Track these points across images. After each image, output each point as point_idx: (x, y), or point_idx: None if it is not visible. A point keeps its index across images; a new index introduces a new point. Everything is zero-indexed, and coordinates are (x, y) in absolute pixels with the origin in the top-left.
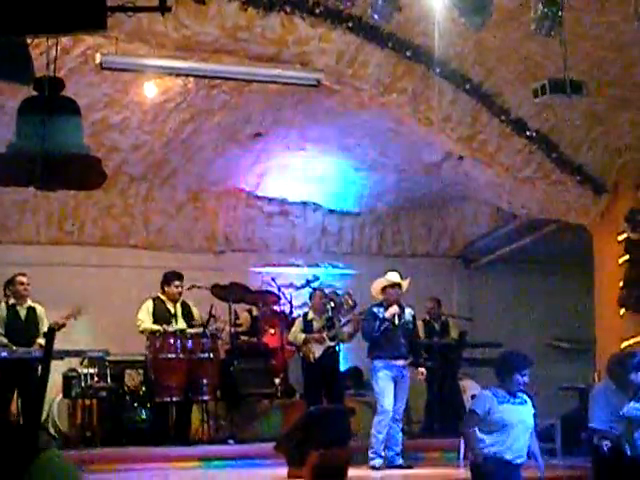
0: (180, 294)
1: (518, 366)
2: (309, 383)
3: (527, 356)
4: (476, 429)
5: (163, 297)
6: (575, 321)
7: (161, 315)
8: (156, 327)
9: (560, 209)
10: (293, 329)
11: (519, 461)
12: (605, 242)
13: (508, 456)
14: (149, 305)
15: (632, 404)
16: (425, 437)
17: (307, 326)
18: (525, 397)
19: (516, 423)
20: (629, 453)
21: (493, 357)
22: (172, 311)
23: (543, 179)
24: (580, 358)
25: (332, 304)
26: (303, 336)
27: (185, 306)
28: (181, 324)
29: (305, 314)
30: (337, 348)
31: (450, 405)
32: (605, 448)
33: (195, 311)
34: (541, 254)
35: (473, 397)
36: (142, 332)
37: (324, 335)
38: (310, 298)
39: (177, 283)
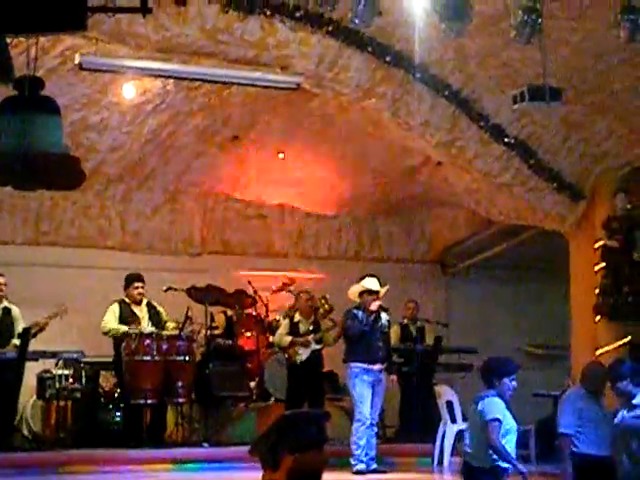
0: (141, 295)
1: (507, 371)
2: (292, 386)
3: (513, 360)
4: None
5: (127, 300)
6: (551, 328)
7: (127, 318)
8: (122, 327)
9: (537, 216)
10: (279, 331)
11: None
12: (582, 249)
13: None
14: (115, 308)
15: (625, 413)
16: (399, 442)
17: (293, 329)
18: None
19: (514, 430)
20: (628, 464)
21: (468, 363)
22: (137, 313)
23: (521, 185)
24: (555, 365)
25: (312, 308)
26: (289, 339)
27: (151, 307)
28: (147, 326)
29: (292, 316)
30: (321, 352)
31: (424, 410)
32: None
33: (162, 312)
34: (518, 260)
35: (448, 403)
36: (107, 333)
37: (309, 338)
38: (295, 300)
39: (136, 285)
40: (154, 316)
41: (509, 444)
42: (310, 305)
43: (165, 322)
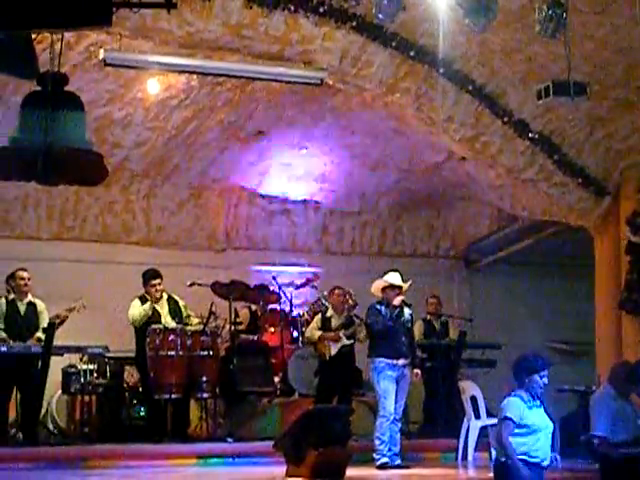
0: (159, 292)
1: (537, 367)
2: (322, 381)
3: (545, 357)
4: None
5: (148, 296)
6: (575, 323)
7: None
8: (145, 307)
9: (562, 211)
10: (311, 325)
11: (545, 463)
12: (606, 245)
13: (535, 458)
14: (137, 303)
15: None
16: (423, 437)
17: (325, 324)
18: (539, 402)
19: (543, 427)
20: None
21: (492, 358)
22: (158, 309)
23: (545, 181)
24: (580, 361)
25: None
26: (319, 333)
27: (171, 301)
28: (168, 322)
29: (324, 311)
30: (352, 347)
31: (448, 406)
32: (616, 456)
33: (183, 305)
34: (542, 256)
35: (472, 398)
36: (135, 322)
37: (340, 333)
38: (329, 296)
39: (153, 282)
40: (175, 311)
41: (538, 442)
42: (343, 300)
43: (187, 316)
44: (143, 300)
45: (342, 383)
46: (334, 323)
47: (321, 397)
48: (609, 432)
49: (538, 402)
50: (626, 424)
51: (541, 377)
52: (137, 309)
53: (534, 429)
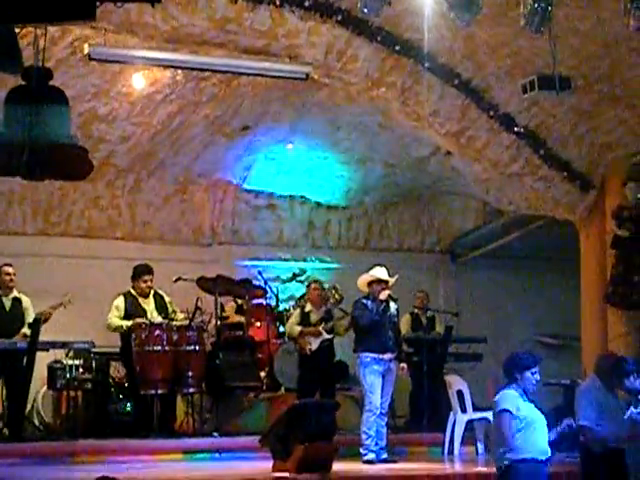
0: (150, 288)
1: (528, 364)
2: (303, 376)
3: (535, 354)
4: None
5: (134, 292)
6: (561, 317)
7: (133, 311)
8: (125, 322)
9: (547, 205)
10: (290, 321)
11: (544, 458)
12: (592, 238)
13: (537, 454)
14: (119, 303)
15: (633, 409)
16: (409, 431)
17: (304, 318)
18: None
19: (538, 421)
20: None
21: (478, 352)
22: (144, 306)
23: (531, 175)
24: (566, 354)
25: (324, 298)
26: (299, 328)
27: (158, 297)
28: (154, 317)
29: (303, 306)
30: (332, 341)
31: (435, 400)
32: (598, 450)
33: (169, 301)
34: (528, 250)
35: (459, 392)
36: (114, 331)
37: (320, 328)
38: (307, 290)
39: (146, 278)
40: (161, 307)
41: (531, 437)
42: (320, 295)
43: (173, 312)
44: (127, 297)
45: (324, 377)
46: (313, 318)
47: (303, 392)
48: (594, 423)
49: (530, 399)
50: (611, 417)
51: (532, 374)
52: (117, 321)
53: (530, 422)
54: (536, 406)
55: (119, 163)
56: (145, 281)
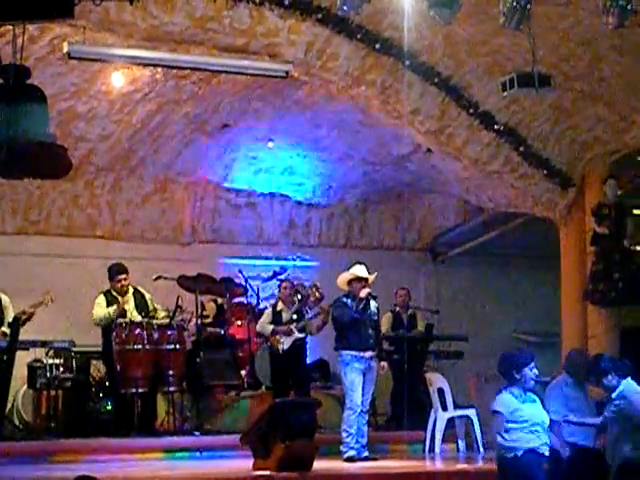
0: (126, 286)
1: (524, 361)
2: (276, 375)
3: (528, 351)
4: (508, 427)
5: (113, 292)
6: (541, 315)
7: None
8: (110, 309)
9: (527, 203)
10: (261, 319)
11: (547, 453)
12: (572, 236)
13: (542, 450)
14: (101, 300)
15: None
16: (390, 429)
17: (276, 317)
18: (534, 396)
19: (540, 421)
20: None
21: (459, 350)
22: (123, 305)
23: (510, 173)
24: (546, 352)
25: (299, 296)
26: (271, 327)
27: (137, 295)
28: (134, 316)
29: (274, 305)
30: (305, 340)
31: (416, 398)
32: (565, 455)
33: (149, 298)
34: (508, 247)
35: (439, 390)
36: (98, 323)
37: (292, 327)
38: (278, 289)
39: (119, 277)
40: (140, 304)
41: (540, 434)
42: (291, 294)
43: (154, 309)
44: (108, 296)
45: (297, 376)
46: (285, 317)
47: (277, 391)
48: (561, 418)
49: (532, 396)
50: (578, 413)
51: (531, 369)
52: (102, 310)
53: (532, 422)
54: (542, 403)
55: (99, 162)
56: (119, 280)
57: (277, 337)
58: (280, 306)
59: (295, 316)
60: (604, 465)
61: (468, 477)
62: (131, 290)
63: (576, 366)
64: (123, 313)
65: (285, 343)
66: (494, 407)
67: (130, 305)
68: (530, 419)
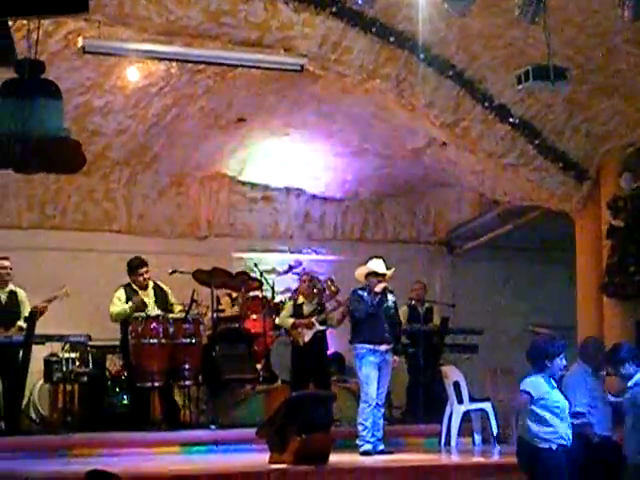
0: (147, 280)
1: (557, 351)
2: (297, 368)
3: (558, 339)
4: (542, 416)
5: (134, 285)
6: (557, 308)
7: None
8: (127, 306)
9: (543, 196)
10: (282, 313)
11: (569, 444)
12: (587, 229)
13: (563, 441)
14: (121, 294)
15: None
16: (406, 423)
17: (297, 310)
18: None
19: (564, 407)
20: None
21: (474, 343)
22: (144, 299)
23: (526, 166)
24: None
25: (315, 290)
26: (291, 320)
27: (157, 290)
28: (154, 311)
29: (294, 298)
30: (325, 332)
31: (431, 391)
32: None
33: (169, 292)
34: (524, 241)
35: (455, 384)
36: (115, 319)
37: (313, 320)
38: (298, 283)
39: (141, 270)
40: (161, 299)
41: (565, 423)
42: (311, 287)
43: (171, 304)
44: (127, 289)
45: (317, 369)
46: (306, 310)
47: (297, 384)
48: (588, 409)
49: (555, 384)
50: (599, 403)
51: (561, 359)
52: (119, 307)
53: (560, 409)
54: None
55: (114, 156)
56: (141, 274)
57: (298, 330)
58: (301, 299)
59: (316, 308)
60: (621, 456)
61: (484, 470)
62: (151, 284)
63: (594, 354)
64: (142, 308)
65: (306, 335)
66: (523, 387)
67: (150, 300)
68: (560, 406)
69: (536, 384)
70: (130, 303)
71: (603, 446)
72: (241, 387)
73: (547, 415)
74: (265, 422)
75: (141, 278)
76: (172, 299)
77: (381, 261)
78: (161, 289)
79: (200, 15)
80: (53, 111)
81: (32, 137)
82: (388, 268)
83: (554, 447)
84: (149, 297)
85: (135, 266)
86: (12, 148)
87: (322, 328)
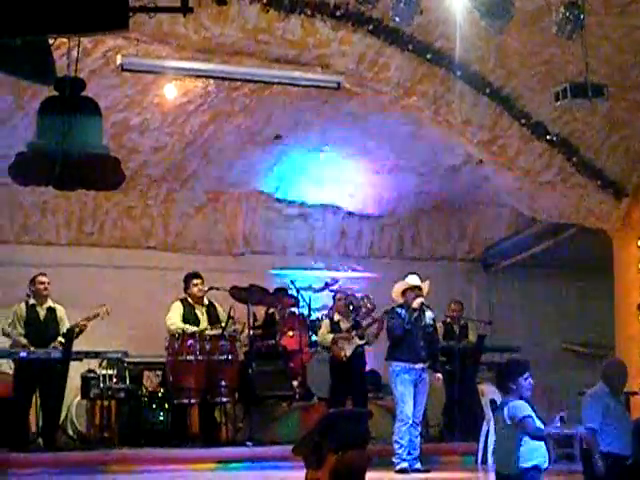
0: (202, 292)
1: (518, 370)
2: (335, 384)
3: (523, 360)
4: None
5: (190, 300)
6: (595, 326)
7: (188, 318)
8: (187, 326)
9: (580, 214)
10: (321, 330)
11: (546, 466)
12: (625, 247)
13: (545, 463)
14: (178, 306)
15: None
16: (443, 441)
17: (334, 328)
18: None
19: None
20: None
21: None
22: (198, 315)
23: (563, 183)
24: (596, 363)
25: (351, 307)
26: (331, 336)
27: (211, 308)
28: (205, 326)
29: (330, 316)
30: (363, 348)
31: (468, 409)
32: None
33: (221, 312)
34: (561, 259)
35: (492, 401)
36: (172, 331)
37: (352, 334)
38: (333, 301)
39: (195, 282)
40: (213, 317)
41: (539, 445)
42: (347, 304)
43: (222, 321)
44: (184, 303)
45: (356, 386)
46: (343, 327)
47: (334, 401)
48: (599, 426)
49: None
50: (615, 422)
51: (525, 379)
52: (179, 322)
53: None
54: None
55: (152, 173)
56: (196, 285)
57: (339, 345)
58: (337, 317)
59: (353, 325)
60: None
61: None
62: (206, 301)
63: (614, 376)
64: (196, 324)
65: (347, 350)
66: (523, 413)
67: (204, 316)
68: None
69: (525, 406)
70: (194, 328)
71: (621, 464)
72: (277, 404)
73: (526, 438)
74: (301, 439)
75: (196, 289)
76: (222, 316)
77: (416, 276)
78: (214, 307)
79: (237, 33)
80: (93, 128)
81: (72, 154)
82: (423, 281)
83: (528, 466)
84: (203, 314)
85: (189, 278)
86: (53, 166)
87: (362, 342)
